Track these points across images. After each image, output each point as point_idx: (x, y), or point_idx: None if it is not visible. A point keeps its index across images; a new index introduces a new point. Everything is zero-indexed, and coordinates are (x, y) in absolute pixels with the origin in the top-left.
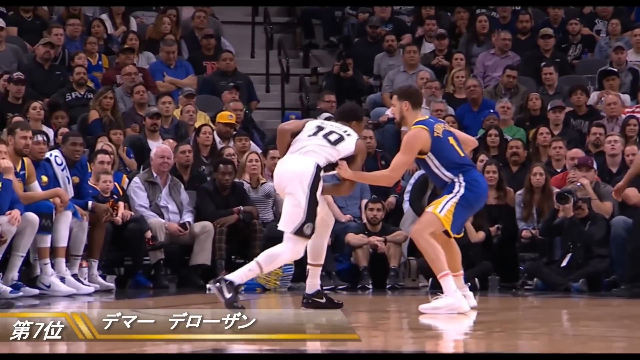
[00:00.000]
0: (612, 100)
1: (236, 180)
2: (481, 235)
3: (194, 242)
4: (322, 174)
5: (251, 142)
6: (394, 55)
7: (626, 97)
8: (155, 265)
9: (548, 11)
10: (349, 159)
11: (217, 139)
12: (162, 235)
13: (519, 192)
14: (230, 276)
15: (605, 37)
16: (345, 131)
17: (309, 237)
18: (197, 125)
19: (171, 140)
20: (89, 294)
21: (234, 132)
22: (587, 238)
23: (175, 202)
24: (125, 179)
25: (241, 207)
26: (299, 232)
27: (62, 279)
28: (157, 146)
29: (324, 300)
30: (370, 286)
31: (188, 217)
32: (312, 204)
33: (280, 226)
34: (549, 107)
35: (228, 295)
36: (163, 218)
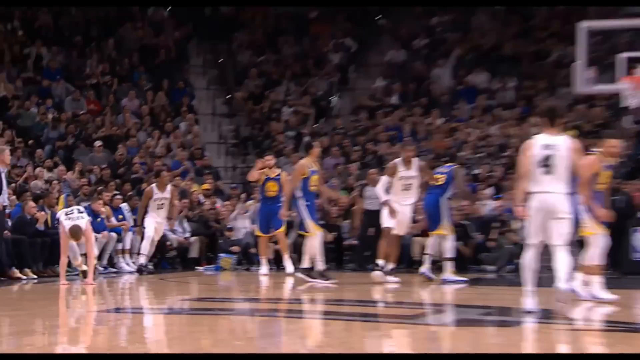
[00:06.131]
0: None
1: None
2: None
3: (190, 246)
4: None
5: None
6: None
7: None
8: (172, 257)
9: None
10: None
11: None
12: (175, 243)
13: None
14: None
15: None
16: None
17: None
18: None
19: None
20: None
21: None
22: None
23: (182, 227)
24: None
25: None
26: None
27: (127, 264)
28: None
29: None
30: None
31: (188, 235)
32: None
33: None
34: None
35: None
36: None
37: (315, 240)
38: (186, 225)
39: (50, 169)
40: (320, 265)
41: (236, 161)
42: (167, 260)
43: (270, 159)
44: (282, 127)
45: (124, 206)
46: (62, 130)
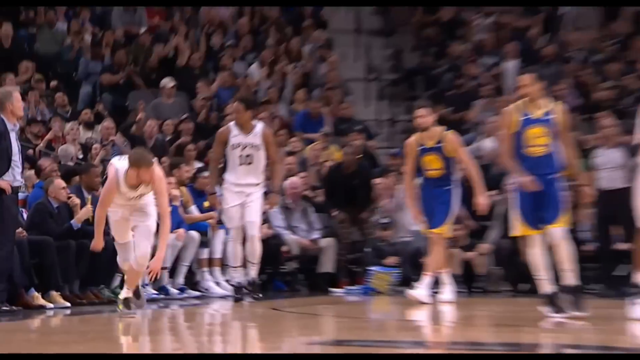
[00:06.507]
0: None
1: None
2: None
3: (320, 254)
4: None
5: None
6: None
7: None
8: (291, 273)
9: None
10: None
11: None
12: (295, 249)
13: None
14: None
15: None
16: None
17: None
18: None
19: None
20: None
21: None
22: None
23: (306, 222)
24: None
25: None
26: None
27: (217, 284)
28: (290, 179)
29: None
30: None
31: (316, 235)
32: None
33: None
34: None
35: None
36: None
37: (529, 250)
38: (314, 219)
39: (89, 126)
40: (547, 287)
41: (397, 110)
42: (282, 276)
43: (423, 115)
44: (472, 52)
45: None
46: (108, 61)
